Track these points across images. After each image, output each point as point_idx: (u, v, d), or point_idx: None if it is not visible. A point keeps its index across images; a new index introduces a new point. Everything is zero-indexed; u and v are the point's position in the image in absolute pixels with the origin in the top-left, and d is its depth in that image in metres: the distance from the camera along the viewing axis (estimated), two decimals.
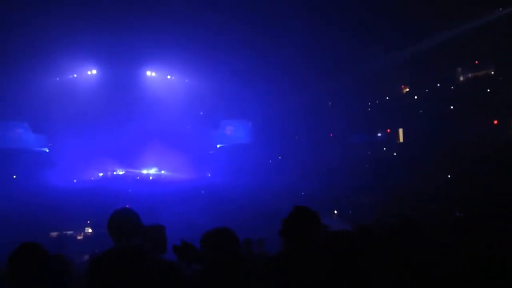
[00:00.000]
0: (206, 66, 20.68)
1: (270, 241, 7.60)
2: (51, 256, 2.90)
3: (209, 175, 22.58)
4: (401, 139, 21.52)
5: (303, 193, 17.37)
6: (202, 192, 19.68)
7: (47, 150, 22.98)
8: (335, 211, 16.07)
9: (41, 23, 16.69)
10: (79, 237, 16.13)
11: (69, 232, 16.07)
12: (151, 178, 22.75)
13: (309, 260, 2.88)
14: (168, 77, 23.66)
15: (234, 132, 24.80)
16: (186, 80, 23.48)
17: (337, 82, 21.19)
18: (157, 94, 22.41)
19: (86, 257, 9.81)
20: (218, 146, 24.77)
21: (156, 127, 21.82)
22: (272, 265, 3.05)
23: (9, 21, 16.30)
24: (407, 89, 22.16)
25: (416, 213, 11.75)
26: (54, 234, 15.66)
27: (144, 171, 23.13)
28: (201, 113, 24.16)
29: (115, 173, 22.84)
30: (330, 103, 23.80)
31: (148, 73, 23.35)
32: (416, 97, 20.96)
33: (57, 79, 22.31)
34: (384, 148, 21.48)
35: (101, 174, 22.65)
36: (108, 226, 3.04)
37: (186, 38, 18.94)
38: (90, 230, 16.36)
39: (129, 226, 3.00)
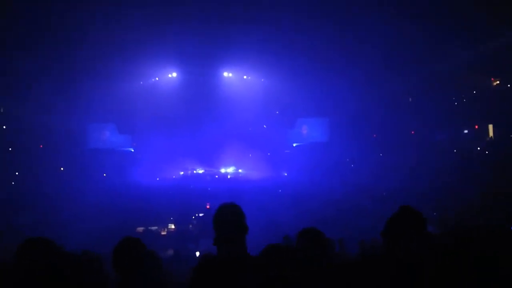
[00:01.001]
0: (282, 65, 20.67)
1: (350, 241, 7.46)
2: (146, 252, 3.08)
3: (286, 174, 22.55)
4: (491, 136, 20.04)
5: (384, 194, 16.70)
6: (279, 191, 19.65)
7: (132, 150, 24.35)
8: None
9: (127, 30, 17.69)
10: (162, 233, 16.74)
11: (154, 228, 16.75)
12: (229, 176, 23.12)
13: (413, 263, 2.66)
14: (245, 77, 23.98)
15: (311, 130, 24.53)
16: (262, 80, 23.69)
17: (418, 76, 20.19)
18: (234, 94, 22.80)
19: (170, 252, 10.27)
20: (294, 145, 24.69)
21: (234, 127, 22.20)
22: (370, 266, 2.91)
23: (97, 30, 17.44)
24: (498, 82, 20.56)
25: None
26: (140, 229, 16.43)
27: (222, 170, 23.60)
28: (277, 112, 24.25)
29: (195, 171, 23.50)
30: (410, 99, 22.76)
31: (225, 74, 23.85)
32: (508, 90, 19.37)
33: (141, 82, 23.58)
34: (472, 146, 20.10)
35: (181, 173, 23.40)
36: (214, 220, 2.94)
37: (262, 38, 19.03)
38: (173, 227, 16.98)
39: (234, 223, 2.90)
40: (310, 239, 3.12)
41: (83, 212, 15.61)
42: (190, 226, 17.12)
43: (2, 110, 21.15)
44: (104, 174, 22.25)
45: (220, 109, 23.10)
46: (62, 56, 18.51)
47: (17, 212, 16.29)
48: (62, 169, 21.47)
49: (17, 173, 20.43)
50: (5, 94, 19.32)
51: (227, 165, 23.68)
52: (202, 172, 23.55)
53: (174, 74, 23.73)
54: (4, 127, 21.08)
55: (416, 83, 20.75)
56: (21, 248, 2.87)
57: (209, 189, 20.79)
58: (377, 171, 18.32)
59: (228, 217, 2.88)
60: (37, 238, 2.93)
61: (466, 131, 21.27)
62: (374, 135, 21.94)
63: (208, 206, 17.66)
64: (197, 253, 11.03)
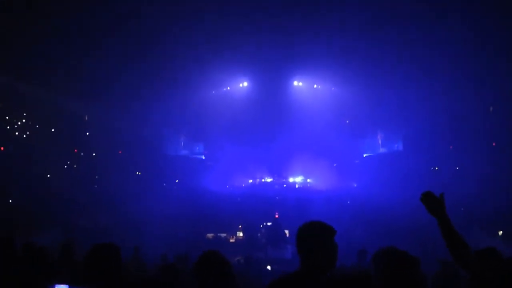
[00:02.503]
0: (352, 74, 20.35)
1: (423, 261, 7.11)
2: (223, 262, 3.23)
3: (355, 185, 22.07)
4: None
5: (462, 209, 15.77)
6: (348, 202, 19.24)
7: (203, 157, 25.06)
8: (500, 232, 14.22)
9: (202, 40, 18.39)
10: (231, 240, 16.96)
11: (223, 235, 17.07)
12: (297, 186, 23.05)
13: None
14: (315, 86, 23.94)
15: (382, 141, 23.91)
16: (333, 89, 23.51)
17: (502, 84, 18.91)
18: (304, 103, 22.81)
19: (239, 259, 10.42)
20: (364, 155, 24.16)
21: (303, 136, 22.14)
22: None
23: (175, 42, 18.27)
24: None
25: None
26: (210, 235, 16.87)
27: (291, 179, 23.57)
28: (347, 122, 23.86)
29: (263, 180, 23.69)
30: (491, 108, 21.36)
31: (295, 83, 23.93)
32: None
33: (213, 92, 24.29)
34: None
35: (250, 181, 23.67)
36: (298, 237, 2.85)
37: (333, 46, 18.89)
38: (241, 234, 17.16)
39: (320, 242, 2.79)
40: (397, 264, 2.75)
41: (157, 216, 16.25)
42: (259, 234, 17.19)
43: (86, 118, 22.69)
44: (177, 180, 23.04)
45: (289, 118, 23.15)
46: (143, 66, 19.56)
47: (97, 215, 17.34)
48: (138, 173, 22.54)
49: (96, 177, 21.71)
50: (89, 101, 20.73)
51: (295, 174, 23.63)
52: (271, 181, 23.66)
53: (245, 84, 24.19)
54: (88, 133, 22.51)
55: (498, 91, 19.44)
56: (90, 253, 3.06)
57: (277, 198, 20.78)
58: (454, 184, 17.34)
59: (318, 236, 2.78)
60: (105, 244, 3.11)
61: None
62: (451, 147, 20.83)
63: (277, 215, 17.63)
64: (268, 267, 11.04)
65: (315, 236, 2.77)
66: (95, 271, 2.97)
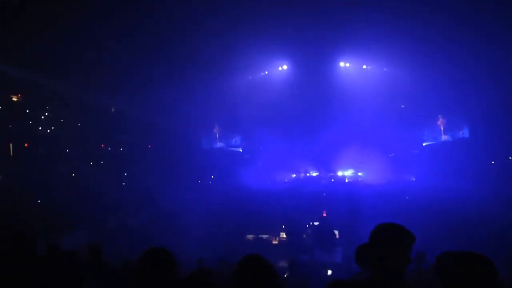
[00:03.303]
0: (407, 51, 19.56)
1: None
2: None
3: (414, 178, 21.51)
4: None
5: None
6: (407, 198, 18.77)
7: (241, 150, 25.16)
8: None
9: (231, 21, 18.35)
10: (274, 242, 16.89)
11: (265, 236, 17.02)
12: (347, 180, 22.82)
13: None
14: (364, 66, 23.43)
15: (444, 127, 23.12)
16: (385, 69, 22.93)
17: None
18: (353, 87, 22.40)
19: (283, 264, 10.34)
20: (424, 144, 23.52)
21: (352, 124, 21.90)
22: None
23: (207, 23, 18.32)
24: None
25: None
26: (250, 236, 16.86)
27: (340, 173, 23.40)
28: (402, 106, 23.29)
29: (308, 174, 23.61)
30: None
31: (342, 64, 23.51)
32: None
33: (249, 77, 24.24)
34: None
35: (294, 176, 23.67)
36: (371, 239, 2.90)
37: (384, 21, 18.21)
38: (284, 236, 17.08)
39: (394, 245, 2.82)
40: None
41: (193, 215, 16.43)
42: (304, 235, 17.08)
43: (113, 110, 23.18)
44: (212, 176, 23.24)
45: (336, 104, 22.90)
46: (173, 54, 19.73)
47: (127, 215, 17.73)
48: (169, 169, 22.85)
49: (126, 174, 22.18)
50: (115, 93, 21.15)
51: (344, 168, 23.40)
52: (317, 175, 23.54)
53: (285, 67, 23.98)
54: (115, 127, 22.98)
55: None
56: (143, 258, 3.22)
57: (324, 194, 20.55)
58: None
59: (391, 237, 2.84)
60: (158, 249, 3.28)
61: None
62: None
63: (324, 214, 17.46)
64: (329, 272, 10.93)
65: (396, 240, 2.81)
66: (149, 279, 3.13)
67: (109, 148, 22.85)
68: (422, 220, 15.24)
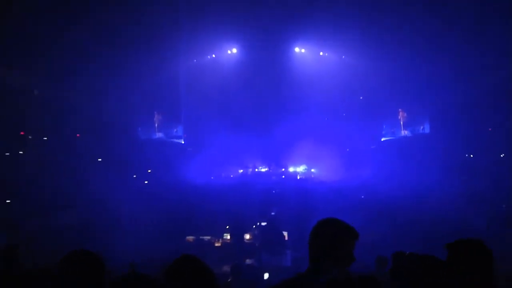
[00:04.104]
0: (368, 39, 19.97)
1: None
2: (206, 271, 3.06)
3: (371, 176, 21.92)
4: None
5: (504, 206, 15.79)
6: (362, 196, 19.24)
7: (183, 142, 24.91)
8: None
9: None
10: (217, 244, 16.85)
11: (207, 238, 16.96)
12: (299, 177, 23.01)
13: None
14: (321, 53, 23.67)
15: (404, 121, 23.77)
16: (343, 57, 23.24)
17: None
18: (308, 76, 22.62)
19: (226, 268, 10.32)
20: (383, 139, 24.11)
21: (306, 116, 22.18)
22: None
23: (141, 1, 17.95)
24: None
25: None
26: (190, 238, 16.73)
27: (291, 169, 23.58)
28: (361, 98, 23.75)
29: (256, 170, 23.72)
30: None
31: (297, 49, 23.64)
32: None
33: (195, 61, 23.97)
34: None
35: (240, 171, 23.74)
36: (311, 236, 3.02)
37: (343, 5, 18.57)
38: (228, 237, 17.09)
39: (333, 241, 2.92)
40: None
41: (127, 214, 16.16)
42: (249, 237, 17.19)
43: (36, 93, 22.16)
44: (149, 170, 22.86)
45: (290, 94, 23.20)
46: (107, 30, 19.00)
47: (55, 213, 17.16)
48: (100, 160, 22.32)
49: (48, 166, 21.26)
50: (39, 73, 20.26)
51: (296, 163, 23.64)
52: (266, 171, 23.67)
53: (234, 50, 23.87)
54: (38, 112, 22.01)
55: None
56: (65, 262, 3.05)
57: (274, 191, 20.77)
58: (493, 176, 17.34)
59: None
60: (82, 251, 3.10)
61: None
62: (490, 129, 20.75)
63: (273, 213, 17.71)
64: (266, 275, 11.02)
65: (335, 236, 2.90)
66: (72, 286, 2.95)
67: (30, 137, 21.85)
68: (378, 219, 15.79)
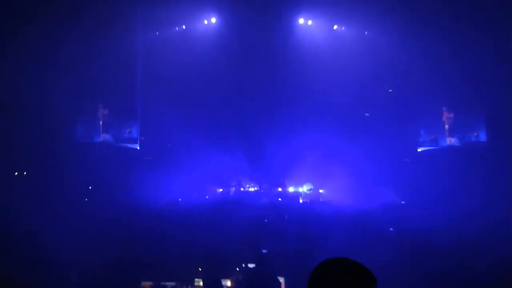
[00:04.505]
0: (403, 7, 20.11)
1: None
2: None
3: (403, 202, 21.96)
4: None
5: None
6: (391, 229, 19.14)
7: (138, 148, 24.70)
8: None
9: None
10: None
11: (170, 284, 16.81)
12: (301, 200, 23.08)
13: None
14: (335, 27, 23.86)
15: (451, 126, 23.70)
16: (366, 33, 23.48)
17: None
18: (316, 58, 22.80)
19: None
20: (420, 149, 24.11)
21: (314, 116, 22.63)
22: None
23: None
24: None
25: None
26: (147, 284, 16.54)
27: (291, 189, 23.75)
28: (390, 91, 23.75)
29: (242, 189, 23.84)
30: None
31: (301, 21, 23.85)
32: None
33: (157, 33, 23.98)
34: None
35: (220, 190, 23.79)
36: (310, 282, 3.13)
37: None
38: (201, 284, 17.05)
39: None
40: None
41: (56, 249, 15.88)
42: (231, 284, 17.12)
43: None
44: (90, 187, 22.65)
45: (290, 84, 23.36)
46: None
47: None
48: (25, 173, 22.07)
49: None
50: None
51: (298, 181, 23.74)
52: (255, 191, 23.82)
53: (213, 20, 24.07)
54: None
55: None
56: None
57: (266, 220, 20.60)
58: None
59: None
60: None
61: None
62: None
63: (265, 251, 17.50)
64: None
65: (343, 282, 2.96)
66: None
67: None
68: (413, 265, 15.64)
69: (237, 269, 17.69)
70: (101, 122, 24.68)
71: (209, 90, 23.44)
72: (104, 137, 24.67)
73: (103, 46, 22.04)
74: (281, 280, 15.80)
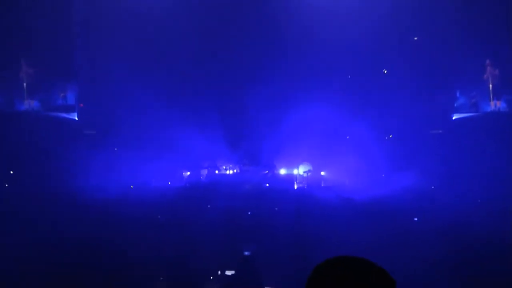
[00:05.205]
0: None
1: None
2: None
3: (433, 187, 22.08)
4: None
5: None
6: (415, 219, 19.35)
7: (76, 118, 24.67)
8: None
9: None
10: None
11: None
12: (296, 185, 23.32)
13: None
14: None
15: (497, 87, 23.78)
16: None
17: None
18: (316, 15, 22.95)
19: None
20: (455, 117, 24.18)
21: (311, 77, 22.89)
22: None
23: None
24: None
25: None
26: None
27: (282, 171, 23.99)
28: (416, 39, 23.93)
29: (217, 172, 24.04)
30: None
31: None
32: None
33: None
34: None
35: (187, 174, 23.96)
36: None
37: None
38: None
39: None
40: None
41: None
42: None
43: None
44: (12, 172, 22.65)
45: (281, 34, 23.53)
46: None
47: None
48: None
49: None
50: None
51: (293, 162, 23.91)
52: (234, 173, 24.07)
53: None
54: None
55: None
56: None
57: (249, 213, 20.91)
58: None
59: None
60: None
61: None
62: None
63: (247, 253, 17.79)
64: None
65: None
66: None
67: None
68: (442, 263, 15.84)
69: (211, 277, 17.93)
70: (24, 85, 24.60)
71: (174, 45, 23.63)
72: (30, 104, 24.59)
73: None
74: None
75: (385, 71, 24.04)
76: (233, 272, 17.70)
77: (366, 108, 22.88)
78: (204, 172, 23.96)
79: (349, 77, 23.56)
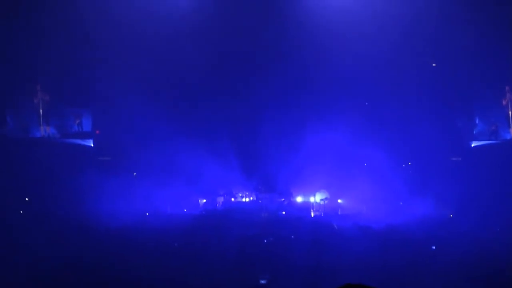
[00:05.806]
0: None
1: None
2: None
3: (451, 215, 21.91)
4: None
5: None
6: (433, 248, 19.18)
7: (92, 145, 24.56)
8: None
9: None
10: None
11: None
12: (313, 214, 23.06)
13: None
14: None
15: None
16: None
17: None
18: (332, 19, 22.70)
19: None
20: (473, 144, 23.93)
21: (329, 104, 22.77)
22: None
23: None
24: None
25: None
26: None
27: (299, 199, 23.69)
28: (434, 65, 23.65)
29: (233, 199, 23.82)
30: None
31: None
32: None
33: None
34: None
35: (203, 201, 23.73)
36: None
37: None
38: None
39: None
40: None
41: None
42: None
43: None
44: (27, 199, 22.52)
45: (299, 60, 23.33)
46: None
47: None
48: None
49: None
50: None
51: (309, 189, 23.65)
52: (251, 201, 23.83)
53: None
54: None
55: None
56: None
57: (265, 241, 20.77)
58: None
59: None
60: None
61: None
62: None
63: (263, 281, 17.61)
64: None
65: None
66: None
67: None
68: None
69: None
70: (40, 111, 24.57)
71: (191, 73, 23.43)
72: (45, 130, 24.53)
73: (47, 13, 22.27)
74: None
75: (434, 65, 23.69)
76: None
77: (384, 135, 22.69)
78: (220, 199, 23.73)
79: (366, 103, 23.31)
